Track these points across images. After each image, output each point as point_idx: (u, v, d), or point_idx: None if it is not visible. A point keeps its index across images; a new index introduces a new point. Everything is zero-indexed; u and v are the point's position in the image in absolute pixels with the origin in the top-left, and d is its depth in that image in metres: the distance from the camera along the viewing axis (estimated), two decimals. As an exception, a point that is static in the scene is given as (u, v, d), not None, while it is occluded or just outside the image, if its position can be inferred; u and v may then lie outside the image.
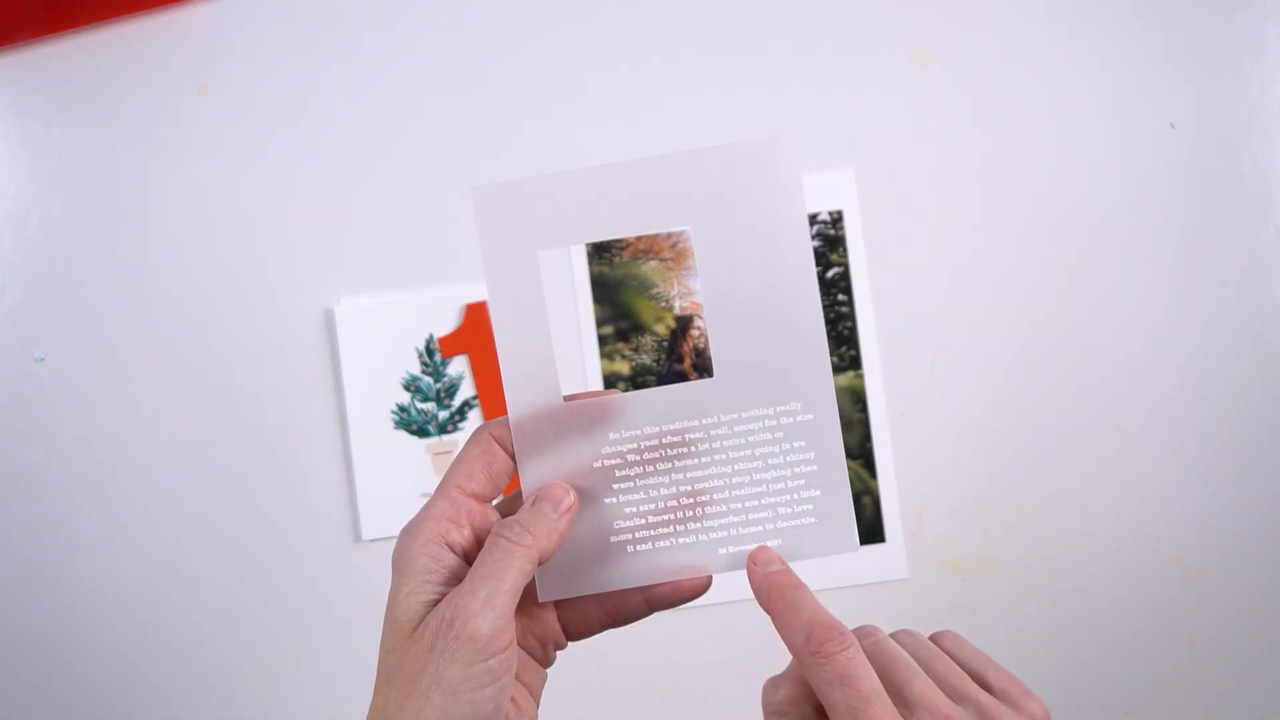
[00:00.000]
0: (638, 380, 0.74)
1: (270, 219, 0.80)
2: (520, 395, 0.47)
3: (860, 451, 0.80)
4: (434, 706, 0.41)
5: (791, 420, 0.48)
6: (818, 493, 0.48)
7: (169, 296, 0.80)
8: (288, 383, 0.80)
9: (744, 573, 0.47)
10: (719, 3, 0.81)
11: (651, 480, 0.48)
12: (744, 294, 0.48)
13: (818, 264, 0.75)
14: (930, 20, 0.81)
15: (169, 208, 0.80)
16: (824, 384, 0.48)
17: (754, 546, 0.48)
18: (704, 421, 0.48)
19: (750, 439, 0.48)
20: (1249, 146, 0.81)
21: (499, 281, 0.47)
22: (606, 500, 0.48)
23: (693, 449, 0.48)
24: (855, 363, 0.81)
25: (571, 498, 0.47)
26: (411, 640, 0.43)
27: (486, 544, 0.44)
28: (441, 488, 0.46)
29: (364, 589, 0.79)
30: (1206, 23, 0.81)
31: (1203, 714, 0.79)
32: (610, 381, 0.79)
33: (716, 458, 0.48)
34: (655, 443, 0.48)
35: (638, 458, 0.48)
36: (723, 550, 0.48)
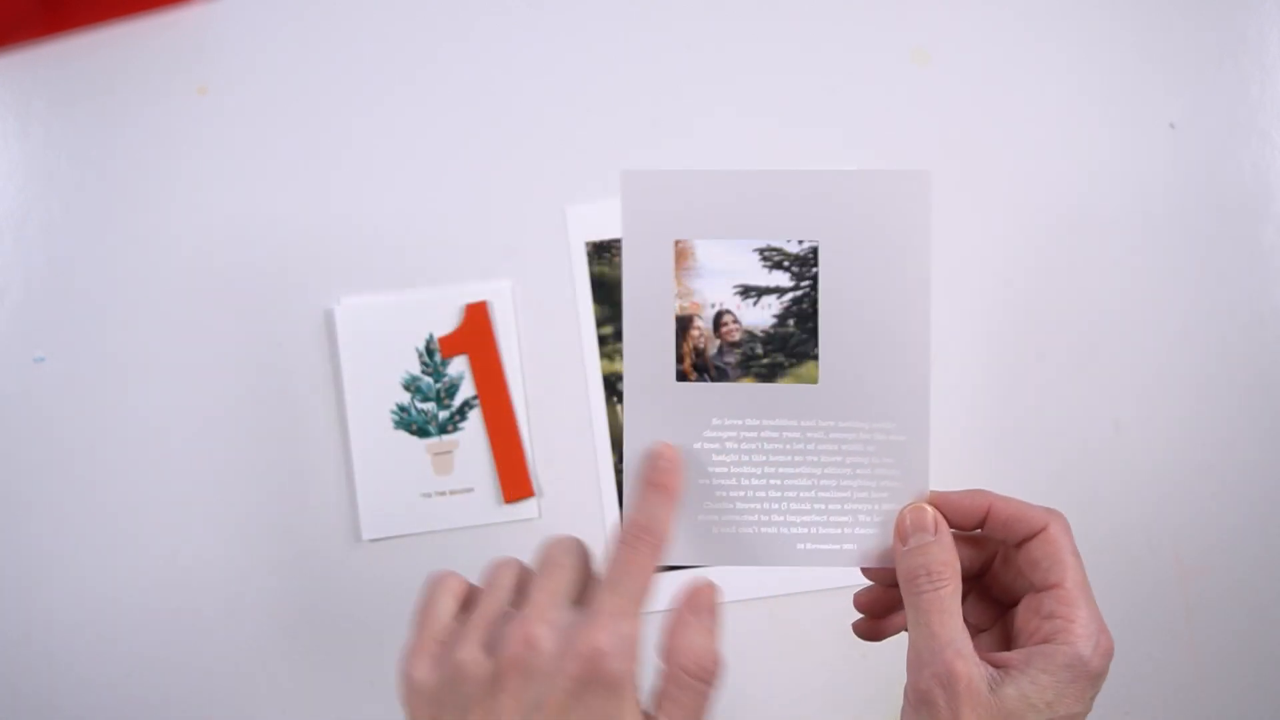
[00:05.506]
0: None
1: (270, 219, 0.80)
2: (638, 370, 0.50)
3: (860, 451, 0.80)
4: None
5: (885, 437, 0.50)
6: (896, 507, 0.51)
7: (169, 296, 0.80)
8: (288, 383, 0.80)
9: (809, 569, 0.57)
10: (718, 3, 0.81)
11: (745, 469, 0.50)
12: (859, 312, 0.50)
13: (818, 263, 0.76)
14: (930, 20, 0.81)
15: (168, 208, 0.80)
16: (921, 410, 0.50)
17: (830, 546, 0.51)
18: (802, 423, 0.50)
19: (843, 447, 0.50)
20: (1249, 146, 0.81)
21: (634, 260, 0.50)
22: (700, 481, 0.50)
23: (788, 446, 0.50)
24: (855, 363, 0.80)
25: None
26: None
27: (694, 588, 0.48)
28: (636, 602, 0.46)
29: (364, 589, 0.79)
30: (1206, 23, 0.81)
31: (1203, 714, 0.79)
32: (611, 382, 0.79)
33: (809, 459, 0.50)
34: (754, 435, 0.50)
35: (736, 446, 0.50)
36: (801, 546, 0.51)
